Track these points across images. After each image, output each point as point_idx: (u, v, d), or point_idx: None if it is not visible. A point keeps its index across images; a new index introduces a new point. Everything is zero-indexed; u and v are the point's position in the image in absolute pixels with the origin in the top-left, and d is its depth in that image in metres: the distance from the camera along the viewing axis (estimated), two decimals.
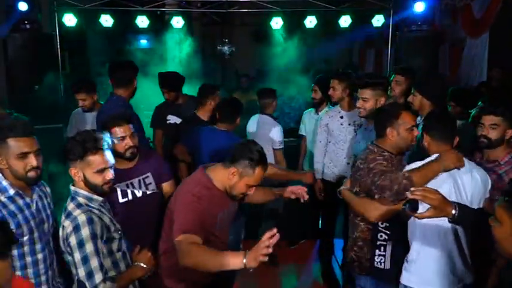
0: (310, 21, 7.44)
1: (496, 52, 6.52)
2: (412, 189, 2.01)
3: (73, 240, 2.10)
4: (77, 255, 2.10)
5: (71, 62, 7.37)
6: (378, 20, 7.31)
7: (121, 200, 2.86)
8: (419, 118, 3.36)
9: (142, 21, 7.24)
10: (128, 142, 2.83)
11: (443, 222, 2.17)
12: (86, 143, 2.18)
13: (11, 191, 2.22)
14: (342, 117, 4.17)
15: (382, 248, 2.69)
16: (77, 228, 2.11)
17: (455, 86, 4.83)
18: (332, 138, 4.21)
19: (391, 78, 3.98)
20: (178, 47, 7.42)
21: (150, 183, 2.97)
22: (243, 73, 8.41)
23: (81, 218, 2.13)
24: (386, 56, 7.36)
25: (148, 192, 2.94)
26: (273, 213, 5.14)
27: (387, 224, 2.65)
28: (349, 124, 4.12)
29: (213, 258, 2.12)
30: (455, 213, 2.00)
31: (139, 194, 2.91)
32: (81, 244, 2.09)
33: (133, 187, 2.91)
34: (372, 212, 2.58)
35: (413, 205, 2.04)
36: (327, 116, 4.27)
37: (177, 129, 4.38)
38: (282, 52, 7.76)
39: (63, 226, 2.17)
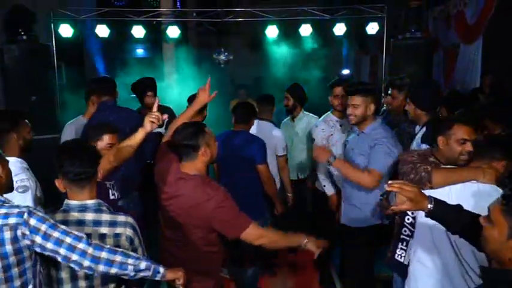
0: (305, 30, 7.49)
1: (490, 58, 6.59)
2: (389, 182, 2.01)
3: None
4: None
5: (68, 72, 7.39)
6: (372, 28, 7.37)
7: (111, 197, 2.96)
8: (417, 128, 3.42)
9: (138, 31, 7.29)
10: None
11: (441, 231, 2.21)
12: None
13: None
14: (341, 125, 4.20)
15: (404, 243, 2.77)
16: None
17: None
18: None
19: (389, 92, 4.05)
20: (174, 56, 7.45)
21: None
22: (240, 84, 8.44)
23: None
24: (381, 63, 7.41)
25: None
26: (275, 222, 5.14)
27: (412, 221, 2.73)
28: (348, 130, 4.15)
29: (284, 238, 2.67)
30: (430, 207, 2.01)
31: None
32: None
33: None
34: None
35: (390, 197, 2.04)
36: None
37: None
38: (278, 60, 7.81)
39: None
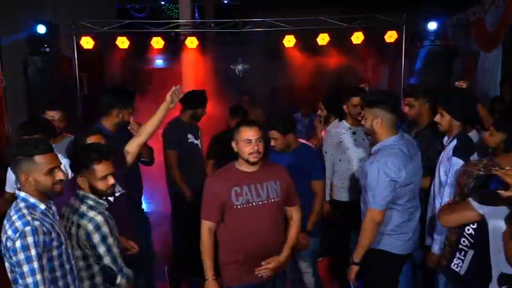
0: (323, 39, 7.51)
1: (510, 65, 6.50)
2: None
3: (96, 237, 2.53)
4: (102, 248, 2.54)
5: (89, 83, 7.53)
6: (390, 36, 7.34)
7: None
8: (446, 139, 3.24)
9: (157, 43, 7.40)
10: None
11: None
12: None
13: (42, 206, 2.28)
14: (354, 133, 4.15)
15: (462, 253, 2.64)
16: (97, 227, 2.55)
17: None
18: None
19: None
20: (192, 67, 7.53)
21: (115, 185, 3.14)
22: (244, 92, 8.38)
23: (99, 218, 2.56)
24: (400, 71, 7.37)
25: (116, 194, 3.08)
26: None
27: (472, 232, 2.60)
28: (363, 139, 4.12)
29: (205, 254, 2.96)
30: None
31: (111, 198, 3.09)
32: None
33: None
34: (443, 219, 2.63)
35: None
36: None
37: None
38: (295, 70, 7.82)
39: (80, 225, 2.54)
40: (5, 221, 2.23)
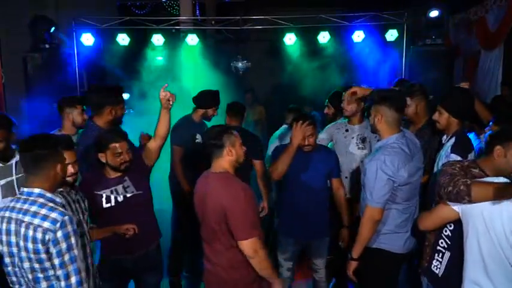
0: (324, 37, 7.48)
1: (511, 65, 6.48)
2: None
3: None
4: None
5: (89, 80, 7.50)
6: (391, 35, 7.32)
7: (105, 206, 3.17)
8: (444, 137, 3.26)
9: (157, 40, 7.37)
10: (124, 157, 3.12)
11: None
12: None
13: (58, 199, 2.39)
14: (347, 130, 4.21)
15: (440, 255, 2.70)
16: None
17: None
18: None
19: None
20: (193, 64, 7.50)
21: (129, 186, 3.22)
22: (247, 89, 8.43)
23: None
24: (401, 70, 7.34)
25: (128, 195, 3.21)
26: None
27: (449, 234, 2.66)
28: (352, 137, 4.15)
29: (269, 268, 2.77)
30: None
31: (120, 199, 3.19)
32: None
33: (117, 193, 3.19)
34: (421, 221, 2.68)
35: None
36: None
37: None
38: (296, 68, 7.80)
39: None
40: (29, 218, 2.24)
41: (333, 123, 4.47)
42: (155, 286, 3.46)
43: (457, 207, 2.44)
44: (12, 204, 2.32)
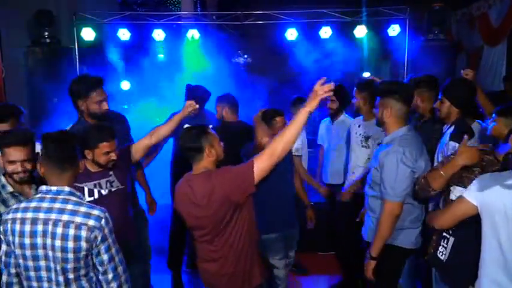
0: (325, 32, 7.44)
1: None
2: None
3: None
4: None
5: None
6: (393, 30, 7.27)
7: (87, 199, 3.10)
8: (445, 126, 3.29)
9: (158, 35, 7.33)
10: (112, 156, 3.12)
11: None
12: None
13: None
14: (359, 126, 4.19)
15: (445, 240, 2.66)
16: None
17: None
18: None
19: None
20: (194, 59, 7.47)
21: (114, 181, 3.21)
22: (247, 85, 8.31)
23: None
24: (403, 65, 7.30)
25: (113, 190, 3.19)
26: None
27: None
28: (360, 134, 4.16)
29: (289, 128, 2.64)
30: None
31: (105, 192, 3.17)
32: None
33: (101, 187, 3.16)
34: (436, 220, 2.64)
35: None
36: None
37: None
38: (297, 63, 7.76)
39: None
40: (68, 216, 2.21)
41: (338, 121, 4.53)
42: (141, 276, 3.46)
43: (475, 202, 2.37)
44: (34, 205, 2.24)
